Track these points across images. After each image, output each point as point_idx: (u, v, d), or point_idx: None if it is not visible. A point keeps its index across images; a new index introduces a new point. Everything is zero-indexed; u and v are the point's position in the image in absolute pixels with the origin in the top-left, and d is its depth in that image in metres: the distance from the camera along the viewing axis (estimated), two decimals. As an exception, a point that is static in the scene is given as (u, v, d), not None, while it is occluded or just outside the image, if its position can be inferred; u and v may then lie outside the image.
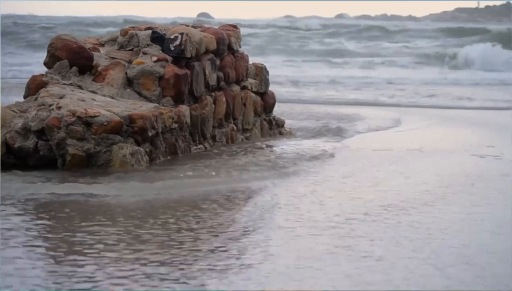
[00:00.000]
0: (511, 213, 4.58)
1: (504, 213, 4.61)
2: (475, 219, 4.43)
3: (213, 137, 6.88)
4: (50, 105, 5.62)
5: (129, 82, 6.29)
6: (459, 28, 34.88)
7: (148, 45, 6.46)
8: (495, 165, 6.44)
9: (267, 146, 7.10)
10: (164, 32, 6.53)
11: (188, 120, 6.36)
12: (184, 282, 3.12)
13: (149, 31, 6.53)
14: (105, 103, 5.85)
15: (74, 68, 6.23)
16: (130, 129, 5.58)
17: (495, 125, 9.68)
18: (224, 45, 7.13)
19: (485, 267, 3.49)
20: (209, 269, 3.29)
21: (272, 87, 8.16)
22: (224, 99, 7.08)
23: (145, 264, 3.33)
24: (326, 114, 10.39)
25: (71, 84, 6.13)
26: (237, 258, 3.49)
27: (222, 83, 7.11)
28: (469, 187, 5.43)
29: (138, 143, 5.62)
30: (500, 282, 3.28)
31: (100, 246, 3.62)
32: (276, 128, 8.07)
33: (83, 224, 4.05)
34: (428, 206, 4.72)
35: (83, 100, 5.80)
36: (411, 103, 13.21)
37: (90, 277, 3.15)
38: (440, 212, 4.55)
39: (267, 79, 8.01)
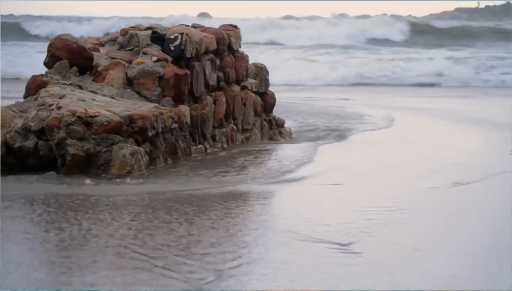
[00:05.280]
0: None
1: None
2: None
3: (213, 138, 6.88)
4: (50, 105, 5.62)
5: (129, 82, 6.29)
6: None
7: (148, 45, 6.46)
8: None
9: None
10: (164, 32, 6.54)
11: (188, 120, 6.36)
12: (185, 281, 3.12)
13: (149, 31, 6.53)
14: (105, 103, 5.85)
15: (74, 68, 6.23)
16: (130, 129, 5.58)
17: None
18: (224, 45, 7.13)
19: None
20: (209, 269, 3.30)
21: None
22: (224, 99, 7.09)
23: (145, 266, 3.34)
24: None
25: (71, 84, 6.13)
26: (237, 259, 3.49)
27: (222, 83, 7.11)
28: None
29: (138, 144, 5.62)
30: None
31: (101, 245, 3.62)
32: (276, 128, 8.07)
33: (83, 224, 4.05)
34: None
35: (83, 100, 5.80)
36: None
37: (90, 277, 3.15)
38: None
39: (267, 79, 8.01)
